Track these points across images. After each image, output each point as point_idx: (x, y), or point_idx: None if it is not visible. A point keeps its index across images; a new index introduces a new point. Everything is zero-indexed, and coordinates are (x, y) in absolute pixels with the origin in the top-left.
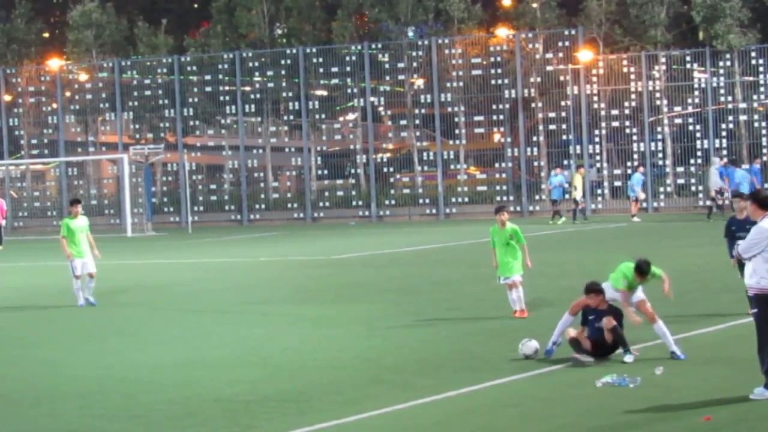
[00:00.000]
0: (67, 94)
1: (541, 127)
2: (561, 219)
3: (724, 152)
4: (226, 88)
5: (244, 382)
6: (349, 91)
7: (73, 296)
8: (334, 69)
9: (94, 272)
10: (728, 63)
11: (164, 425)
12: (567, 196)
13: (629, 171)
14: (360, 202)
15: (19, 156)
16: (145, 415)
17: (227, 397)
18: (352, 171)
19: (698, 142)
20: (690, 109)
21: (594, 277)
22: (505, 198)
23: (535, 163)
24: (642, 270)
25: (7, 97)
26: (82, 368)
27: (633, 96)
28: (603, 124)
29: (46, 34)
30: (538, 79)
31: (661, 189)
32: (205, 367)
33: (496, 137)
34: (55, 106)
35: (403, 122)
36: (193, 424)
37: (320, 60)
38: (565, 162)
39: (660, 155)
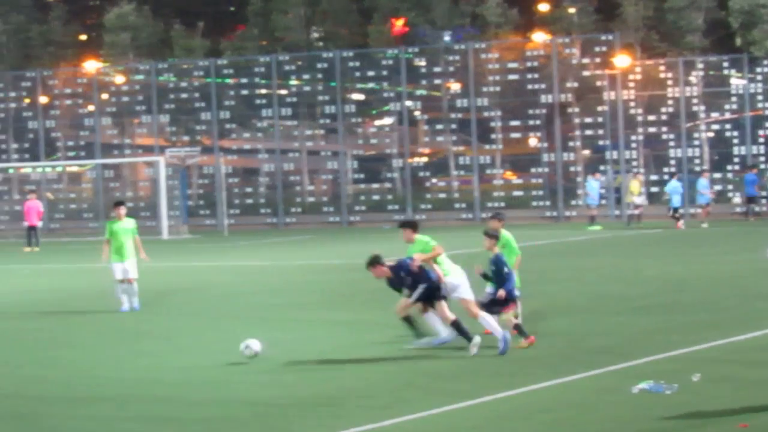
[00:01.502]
0: (103, 96)
1: (577, 132)
2: (596, 226)
3: (762, 158)
4: (262, 91)
5: (279, 385)
6: (385, 95)
7: (111, 299)
8: (371, 73)
9: (133, 278)
10: (765, 69)
11: (199, 428)
12: (604, 201)
13: (666, 177)
14: (395, 206)
15: (56, 158)
16: (180, 418)
17: (262, 401)
18: (388, 175)
19: (735, 149)
20: (727, 116)
21: (627, 284)
22: (541, 203)
23: (571, 168)
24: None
25: (44, 99)
26: (118, 371)
27: (670, 102)
28: (639, 130)
29: (83, 37)
30: (575, 84)
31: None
32: (240, 371)
33: (532, 142)
34: (91, 108)
35: (439, 126)
36: (227, 428)
37: (356, 64)
38: (602, 167)
39: (697, 161)
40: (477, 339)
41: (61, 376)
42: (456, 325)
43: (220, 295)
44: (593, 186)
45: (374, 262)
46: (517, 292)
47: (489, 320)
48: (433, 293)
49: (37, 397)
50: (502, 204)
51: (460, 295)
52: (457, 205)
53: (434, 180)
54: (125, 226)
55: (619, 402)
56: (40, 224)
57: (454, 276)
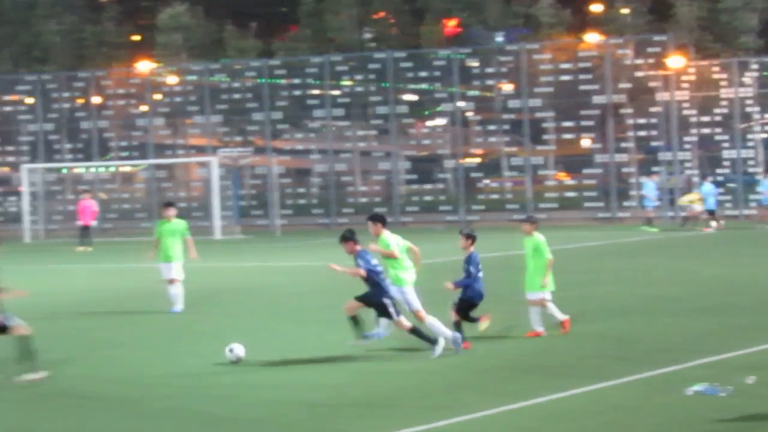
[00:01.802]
0: (156, 96)
1: (630, 133)
2: (653, 227)
3: None
4: (315, 91)
5: (331, 385)
6: (437, 95)
7: (163, 299)
8: (423, 73)
9: (177, 279)
10: None
11: (250, 428)
12: (659, 203)
13: (719, 179)
14: (448, 207)
15: (109, 158)
16: (231, 418)
17: (314, 401)
18: (440, 176)
19: None
20: None
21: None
22: (594, 204)
23: (624, 169)
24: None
25: (97, 100)
26: (169, 370)
27: (723, 103)
28: (693, 131)
29: (136, 37)
30: (628, 85)
31: (752, 197)
32: (292, 371)
33: (585, 143)
34: (144, 108)
35: (492, 127)
36: (279, 428)
37: (409, 64)
38: (655, 168)
39: (751, 163)
40: (442, 341)
41: (112, 375)
42: (415, 332)
43: (272, 295)
44: (650, 187)
45: (345, 236)
46: (548, 295)
47: (436, 324)
48: (384, 309)
49: (89, 397)
50: (555, 205)
51: (412, 306)
52: (509, 206)
53: (487, 181)
54: (174, 227)
55: (672, 404)
56: (94, 224)
57: (408, 275)
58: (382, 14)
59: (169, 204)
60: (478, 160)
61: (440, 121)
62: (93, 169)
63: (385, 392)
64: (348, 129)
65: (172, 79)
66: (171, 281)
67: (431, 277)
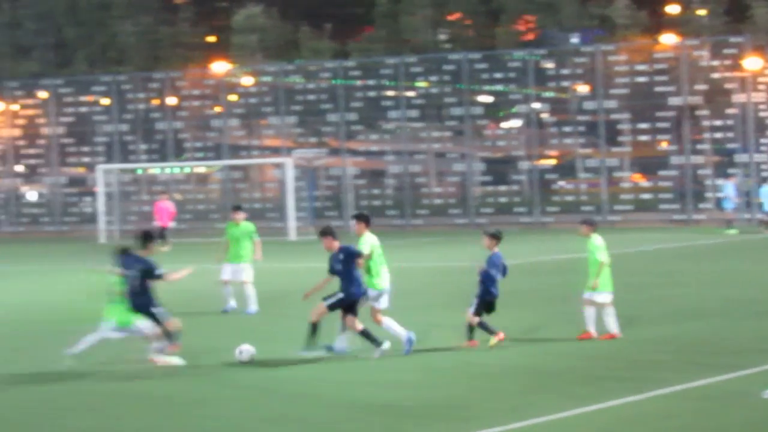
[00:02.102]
0: (231, 97)
1: (706, 135)
2: (733, 230)
3: None
4: (389, 93)
5: (407, 387)
6: (512, 97)
7: (238, 301)
8: (498, 75)
9: (247, 281)
10: None
11: (327, 429)
12: (738, 205)
13: None
14: (523, 209)
15: (183, 159)
16: (307, 419)
17: (390, 402)
18: (515, 177)
19: None
20: None
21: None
22: (669, 206)
23: (700, 171)
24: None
25: (172, 101)
26: (244, 371)
27: None
28: None
29: (211, 38)
30: (704, 87)
31: None
32: (368, 372)
33: (661, 145)
34: (218, 109)
35: (567, 129)
36: (355, 429)
37: (484, 65)
38: (731, 171)
39: None
40: (386, 345)
41: (188, 376)
42: (365, 334)
43: None
44: (730, 189)
45: (324, 232)
46: (608, 297)
47: (392, 325)
48: (348, 306)
49: (165, 397)
50: (630, 207)
51: (378, 304)
52: (584, 208)
53: (561, 182)
54: (243, 229)
55: (748, 407)
56: (172, 225)
57: (383, 281)
58: (457, 15)
59: (237, 207)
60: (553, 161)
61: (515, 123)
62: (168, 170)
63: (458, 394)
64: (423, 130)
65: (247, 80)
66: (225, 282)
67: (504, 279)
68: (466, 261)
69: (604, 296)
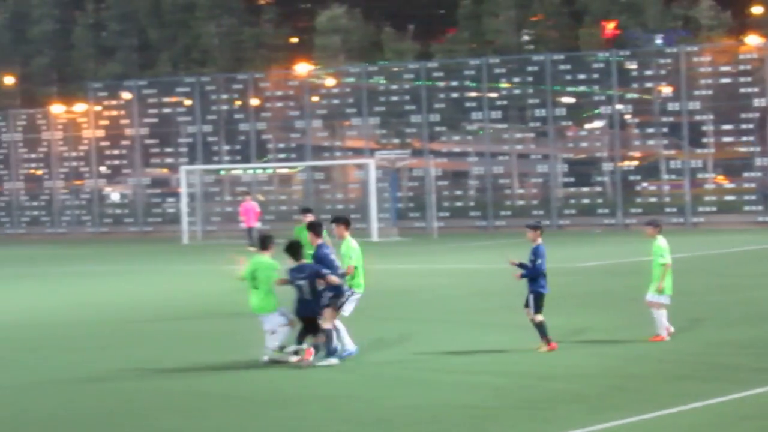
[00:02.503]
0: (314, 98)
1: None
2: None
3: None
4: (472, 94)
5: (489, 388)
6: (595, 98)
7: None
8: (581, 76)
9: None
10: None
11: (409, 430)
12: None
13: None
14: (605, 210)
15: (267, 160)
16: (390, 420)
17: (472, 404)
18: (598, 179)
19: None
20: None
21: None
22: (753, 208)
23: None
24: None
25: (255, 102)
26: (327, 372)
27: None
28: None
29: (294, 39)
30: None
31: None
32: (450, 373)
33: (745, 146)
34: (301, 110)
35: (650, 130)
36: (438, 430)
37: (567, 67)
38: None
39: None
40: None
41: (271, 376)
42: (329, 337)
43: (429, 297)
44: None
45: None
46: (665, 300)
47: (342, 332)
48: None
49: (246, 398)
50: (714, 209)
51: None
52: (668, 210)
53: (644, 184)
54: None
55: None
56: (258, 225)
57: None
58: (540, 16)
59: (306, 210)
60: (636, 163)
61: (598, 124)
62: (250, 171)
63: (541, 395)
64: (505, 131)
65: (329, 82)
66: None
67: (586, 280)
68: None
69: (665, 299)
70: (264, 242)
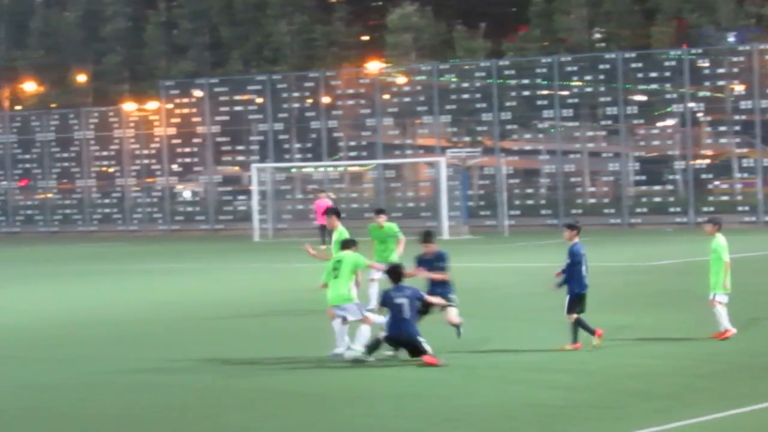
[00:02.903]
0: (385, 96)
1: None
2: None
3: None
4: (544, 92)
5: (559, 387)
6: (667, 96)
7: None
8: (653, 74)
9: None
10: None
11: (480, 429)
12: None
13: None
14: (677, 209)
15: (337, 158)
16: (460, 419)
17: (542, 402)
18: (670, 177)
19: None
20: None
21: None
22: None
23: None
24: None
25: (326, 100)
26: (398, 369)
27: None
28: None
29: (365, 37)
30: None
31: None
32: (520, 371)
33: None
34: (373, 108)
35: (722, 128)
36: (508, 429)
37: (639, 65)
38: None
39: None
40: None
41: (340, 375)
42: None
43: (500, 296)
44: None
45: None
46: (724, 298)
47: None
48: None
49: (317, 396)
50: None
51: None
52: (740, 208)
53: (717, 182)
54: (386, 232)
55: None
56: None
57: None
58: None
59: (380, 211)
60: (707, 161)
61: (670, 122)
62: (321, 169)
63: (612, 394)
64: (577, 130)
65: (401, 80)
66: (372, 280)
67: (657, 279)
68: (619, 261)
69: (724, 297)
70: (346, 244)
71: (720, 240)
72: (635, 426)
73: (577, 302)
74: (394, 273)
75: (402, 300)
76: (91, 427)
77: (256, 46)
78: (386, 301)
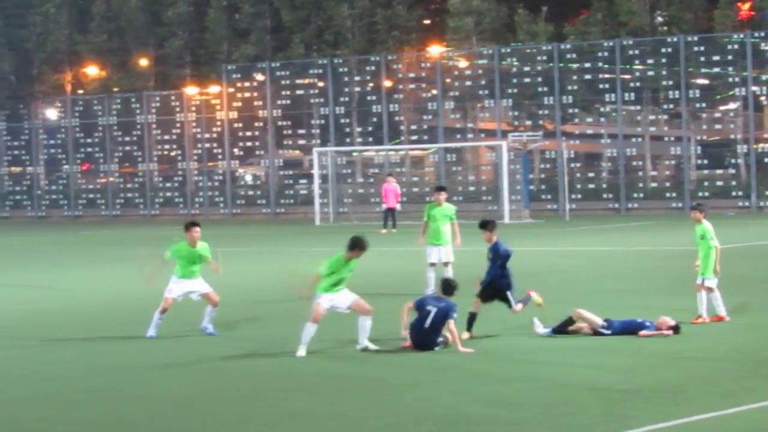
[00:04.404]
0: (447, 80)
1: None
2: None
3: None
4: (605, 76)
5: (619, 371)
6: (730, 80)
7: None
8: (715, 57)
9: (448, 261)
10: None
11: (539, 412)
12: None
13: None
14: (739, 193)
15: (399, 141)
16: (521, 402)
17: (602, 386)
18: (732, 161)
19: None
20: None
21: None
22: None
23: None
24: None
25: (388, 84)
26: (454, 354)
27: None
28: None
29: (427, 21)
30: None
31: None
32: (580, 355)
33: None
34: (434, 92)
35: None
36: (568, 412)
37: (701, 48)
38: None
39: None
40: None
41: (399, 359)
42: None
43: (560, 280)
44: None
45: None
46: (714, 282)
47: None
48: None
49: (377, 379)
50: None
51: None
52: None
53: None
54: (444, 211)
55: None
56: (398, 207)
57: None
58: None
59: (441, 188)
60: None
61: (732, 106)
62: (383, 153)
63: (673, 378)
64: (638, 113)
65: (462, 63)
66: (432, 264)
67: (723, 263)
68: (681, 246)
69: (713, 281)
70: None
71: (707, 225)
72: (696, 410)
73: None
74: (447, 287)
75: (432, 309)
76: (155, 410)
77: (318, 29)
78: (420, 304)
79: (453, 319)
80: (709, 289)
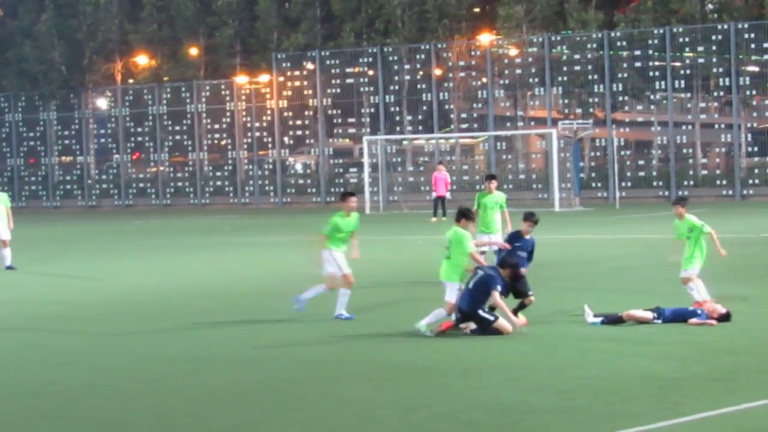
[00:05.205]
0: (497, 68)
1: None
2: None
3: None
4: (656, 63)
5: (672, 359)
6: None
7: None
8: (766, 45)
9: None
10: None
11: (591, 401)
12: None
13: None
14: None
15: (449, 130)
16: (572, 390)
17: (655, 374)
18: None
19: None
20: None
21: None
22: None
23: None
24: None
25: (438, 72)
26: (509, 342)
27: None
28: None
29: (477, 9)
30: None
31: None
32: (632, 343)
33: None
34: (484, 80)
35: None
36: (620, 400)
37: (752, 35)
38: None
39: None
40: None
41: (452, 347)
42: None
43: (610, 268)
44: None
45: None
46: (696, 270)
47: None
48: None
49: (428, 368)
50: None
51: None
52: None
53: None
54: (494, 199)
55: None
56: (448, 195)
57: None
58: None
59: (491, 176)
60: None
61: None
62: (433, 141)
63: (725, 366)
64: (689, 101)
65: (512, 52)
66: (482, 253)
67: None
68: (732, 233)
69: (694, 270)
70: (462, 215)
71: (693, 218)
72: (748, 398)
73: None
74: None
75: (479, 272)
76: (204, 400)
77: (368, 18)
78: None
79: (496, 291)
80: (687, 280)
